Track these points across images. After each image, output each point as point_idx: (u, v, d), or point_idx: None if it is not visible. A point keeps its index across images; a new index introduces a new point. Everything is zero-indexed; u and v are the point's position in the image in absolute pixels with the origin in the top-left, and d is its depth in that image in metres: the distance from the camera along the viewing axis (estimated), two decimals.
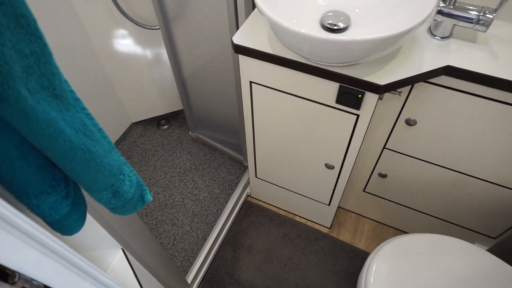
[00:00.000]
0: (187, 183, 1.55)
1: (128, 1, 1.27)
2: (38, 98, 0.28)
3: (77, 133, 0.32)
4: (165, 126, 1.75)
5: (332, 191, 1.20)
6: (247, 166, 1.52)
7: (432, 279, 0.88)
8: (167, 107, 1.70)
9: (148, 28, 1.29)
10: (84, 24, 1.29)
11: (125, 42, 1.39)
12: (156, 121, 1.76)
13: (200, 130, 1.64)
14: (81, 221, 0.42)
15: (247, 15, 0.97)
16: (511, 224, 1.10)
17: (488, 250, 1.17)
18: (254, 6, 0.98)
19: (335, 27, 0.78)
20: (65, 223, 0.39)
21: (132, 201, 0.42)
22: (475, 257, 0.91)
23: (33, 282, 0.32)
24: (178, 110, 1.76)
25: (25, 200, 0.35)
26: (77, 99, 0.33)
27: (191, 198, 1.51)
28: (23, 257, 0.30)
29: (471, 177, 1.02)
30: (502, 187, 1.00)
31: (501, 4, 0.72)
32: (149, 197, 0.44)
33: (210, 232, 1.40)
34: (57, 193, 0.37)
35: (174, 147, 1.68)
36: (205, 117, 1.52)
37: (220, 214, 1.44)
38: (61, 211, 0.38)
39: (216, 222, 1.42)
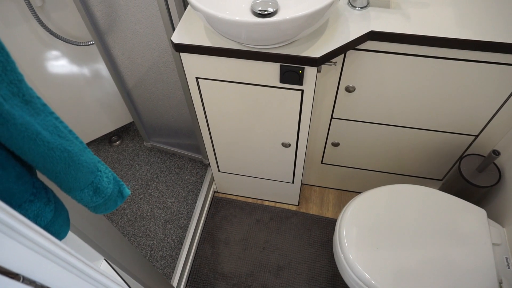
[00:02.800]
0: (152, 193, 1.55)
1: (55, 20, 1.24)
2: (12, 104, 0.29)
3: (52, 135, 0.34)
4: (117, 142, 1.72)
5: (293, 169, 1.26)
6: (208, 163, 1.55)
7: (398, 223, 0.97)
8: (116, 122, 1.68)
9: (82, 45, 1.27)
10: (9, 51, 1.24)
11: (59, 63, 1.35)
12: (107, 139, 1.73)
13: (155, 138, 1.64)
14: (66, 226, 0.43)
15: (180, 14, 1.00)
16: (452, 164, 1.24)
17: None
18: (185, 5, 1.01)
19: (266, 12, 0.84)
20: (51, 229, 0.41)
21: (112, 197, 0.44)
22: (430, 197, 1.02)
23: (37, 282, 0.34)
24: (128, 123, 1.73)
25: None
26: (44, 105, 0.35)
27: (159, 206, 1.51)
28: (23, 259, 0.31)
29: (410, 129, 1.13)
30: (437, 132, 1.12)
31: None
32: (127, 191, 0.47)
33: (185, 235, 1.42)
34: (40, 200, 0.38)
35: (131, 160, 1.66)
36: (157, 125, 1.52)
37: (191, 216, 1.46)
38: (45, 217, 0.39)
39: (189, 224, 1.43)
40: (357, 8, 0.93)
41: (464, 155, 1.18)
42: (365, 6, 0.93)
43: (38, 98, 0.34)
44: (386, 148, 1.23)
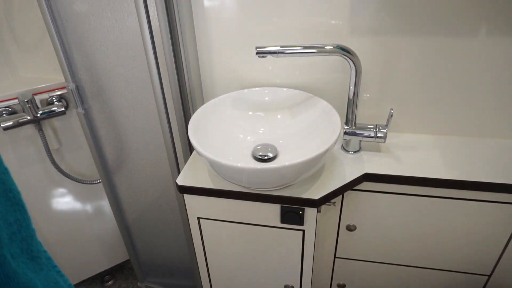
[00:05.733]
0: None
1: (68, 160, 1.32)
2: (19, 262, 0.30)
3: None
4: (110, 282, 1.62)
5: None
6: None
7: None
8: (111, 261, 1.61)
9: (89, 183, 1.33)
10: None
11: (64, 200, 1.38)
12: (99, 278, 1.63)
13: (150, 279, 1.55)
14: None
15: (185, 157, 1.08)
16: None
17: None
18: (191, 149, 1.10)
19: (266, 157, 0.91)
20: None
21: None
22: None
23: None
24: (123, 261, 1.67)
25: None
26: (49, 258, 0.35)
27: None
28: None
29: (418, 268, 1.09)
30: (447, 271, 1.07)
31: (388, 121, 0.92)
32: None
33: None
34: None
35: None
36: (154, 263, 1.46)
37: None
38: None
39: None
40: (350, 152, 1.01)
41: None
42: (358, 151, 1.01)
43: (45, 252, 0.35)
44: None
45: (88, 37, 0.99)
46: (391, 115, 0.90)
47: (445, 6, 0.87)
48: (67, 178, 1.34)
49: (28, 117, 1.17)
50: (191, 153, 1.09)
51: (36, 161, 1.27)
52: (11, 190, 0.30)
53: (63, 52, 1.02)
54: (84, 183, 1.32)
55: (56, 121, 1.26)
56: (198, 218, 1.00)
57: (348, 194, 0.98)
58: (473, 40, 0.90)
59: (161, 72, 0.96)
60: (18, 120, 1.16)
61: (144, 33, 0.90)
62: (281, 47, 0.85)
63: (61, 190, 1.36)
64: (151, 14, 0.89)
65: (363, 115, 1.07)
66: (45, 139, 1.23)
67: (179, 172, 1.09)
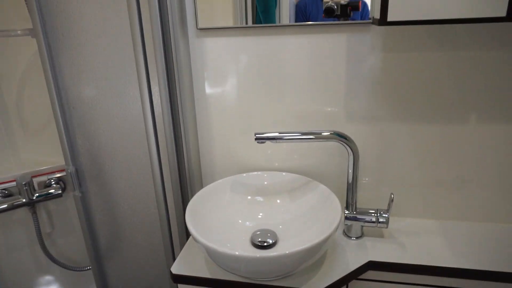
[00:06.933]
0: None
1: (59, 245, 1.27)
2: None
3: None
4: None
5: None
6: None
7: None
8: None
9: (78, 270, 1.25)
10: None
11: None
12: None
13: None
14: None
15: (182, 242, 1.04)
16: None
17: None
18: (188, 234, 1.06)
19: (265, 244, 0.87)
20: None
21: None
22: None
23: None
24: None
25: None
26: None
27: None
28: None
29: None
30: None
31: (389, 206, 0.91)
32: None
33: None
34: None
35: None
36: None
37: None
38: None
39: None
40: (352, 238, 0.97)
41: None
42: (360, 236, 0.97)
43: None
44: None
45: (92, 123, 1.02)
46: (392, 200, 0.89)
47: (436, 95, 0.92)
48: (55, 264, 1.27)
49: (24, 200, 1.15)
50: (187, 238, 1.06)
51: (25, 245, 1.22)
52: None
53: (66, 136, 1.04)
54: (73, 270, 1.25)
55: (51, 204, 1.24)
56: None
57: (354, 284, 0.92)
58: (465, 126, 0.93)
59: (161, 157, 0.97)
60: (13, 203, 1.14)
61: (147, 119, 0.93)
62: (280, 133, 0.88)
63: (48, 278, 1.28)
64: (154, 102, 0.93)
65: (363, 198, 1.06)
66: (38, 223, 1.20)
67: (174, 258, 1.04)
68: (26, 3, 0.97)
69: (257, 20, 0.92)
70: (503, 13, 0.67)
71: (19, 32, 1.06)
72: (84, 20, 0.94)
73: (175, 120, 0.98)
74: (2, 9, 1.17)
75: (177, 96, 0.97)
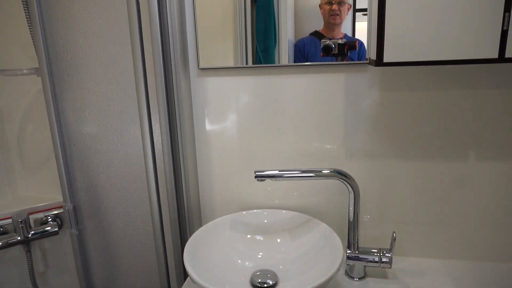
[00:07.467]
0: None
1: (51, 283, 1.23)
2: None
3: None
4: None
5: None
6: None
7: None
8: None
9: None
10: None
11: None
12: None
13: None
14: None
15: (179, 283, 1.00)
16: None
17: None
18: (185, 274, 1.03)
19: (265, 285, 0.85)
20: None
21: None
22: None
23: None
24: None
25: None
26: None
27: None
28: None
29: None
30: None
31: (391, 245, 0.89)
32: None
33: None
34: None
35: None
36: None
37: None
38: None
39: None
40: (355, 278, 0.94)
41: None
42: (363, 277, 0.94)
43: None
44: None
45: (92, 160, 1.02)
46: (394, 239, 0.88)
47: (436, 132, 0.93)
48: None
49: (19, 238, 1.13)
50: (185, 278, 1.02)
51: (17, 285, 1.18)
52: None
53: (66, 173, 1.04)
54: None
55: (47, 242, 1.21)
56: None
57: None
58: (466, 164, 0.93)
59: (160, 194, 0.96)
60: (7, 241, 1.12)
61: (147, 157, 0.94)
62: (280, 171, 0.88)
63: None
64: (155, 139, 0.94)
65: (365, 237, 1.04)
66: (32, 263, 1.17)
67: None
68: (34, 44, 1.01)
69: (257, 59, 0.95)
70: (495, 54, 0.69)
71: (25, 71, 1.09)
72: (89, 60, 0.96)
73: (175, 158, 0.98)
74: (10, 48, 1.21)
75: (177, 133, 0.98)
